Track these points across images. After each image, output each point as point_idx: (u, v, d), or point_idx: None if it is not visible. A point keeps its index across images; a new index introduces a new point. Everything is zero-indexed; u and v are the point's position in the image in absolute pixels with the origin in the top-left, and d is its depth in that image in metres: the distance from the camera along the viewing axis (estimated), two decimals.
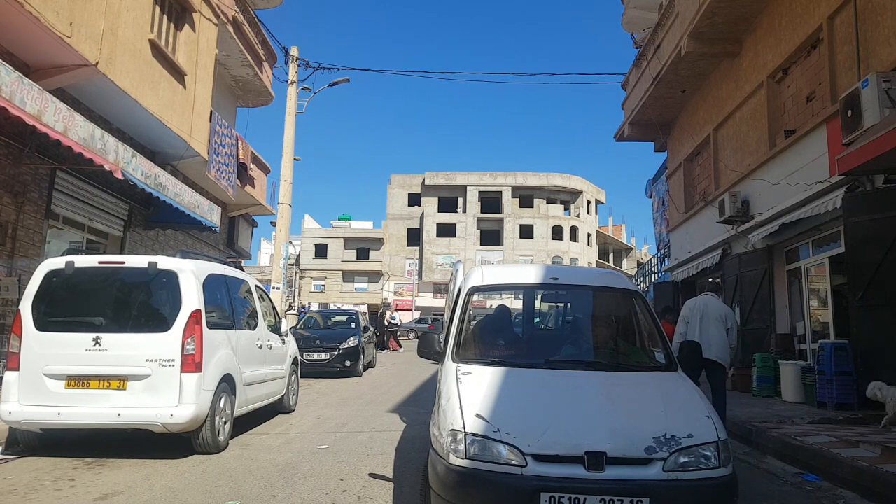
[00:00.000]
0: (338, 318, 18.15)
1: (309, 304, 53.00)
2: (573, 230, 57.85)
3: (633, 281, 26.92)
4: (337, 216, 64.33)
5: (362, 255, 60.97)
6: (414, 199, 59.41)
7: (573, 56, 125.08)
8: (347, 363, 14.56)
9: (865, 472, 5.17)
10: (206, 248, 16.11)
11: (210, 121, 13.52)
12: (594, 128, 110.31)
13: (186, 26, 12.41)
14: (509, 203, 57.36)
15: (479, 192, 57.98)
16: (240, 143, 15.69)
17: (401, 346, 27.35)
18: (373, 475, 5.44)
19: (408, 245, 59.06)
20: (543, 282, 5.52)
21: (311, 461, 5.98)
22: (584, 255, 57.59)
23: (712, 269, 15.12)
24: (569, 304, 6.29)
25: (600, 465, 3.34)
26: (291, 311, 21.91)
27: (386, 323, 27.50)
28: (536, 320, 6.54)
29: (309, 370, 13.64)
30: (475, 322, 5.83)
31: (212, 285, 6.65)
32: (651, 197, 23.04)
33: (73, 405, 5.78)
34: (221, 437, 6.35)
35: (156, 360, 5.85)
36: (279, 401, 8.57)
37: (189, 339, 5.94)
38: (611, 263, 62.52)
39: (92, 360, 5.84)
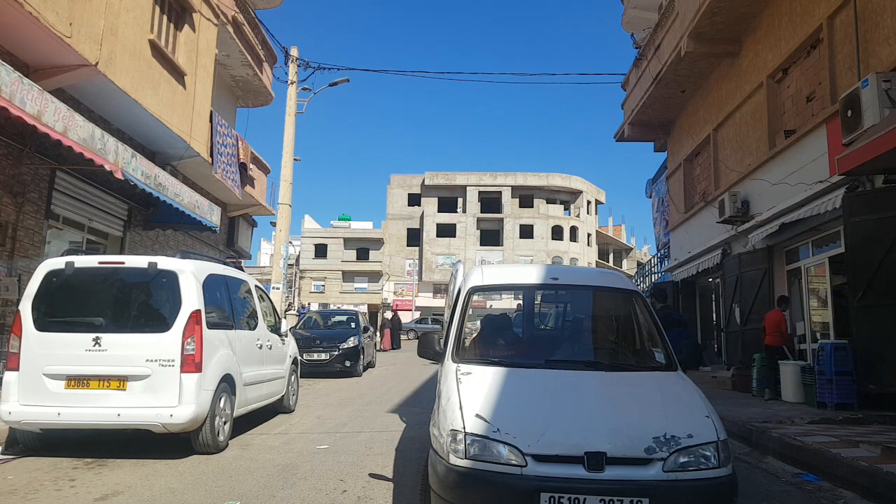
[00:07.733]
0: (338, 318, 18.18)
1: (309, 304, 52.95)
2: (573, 230, 57.82)
3: (633, 281, 26.92)
4: (337, 216, 64.38)
5: (362, 255, 60.94)
6: (414, 200, 59.34)
7: (573, 56, 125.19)
8: (347, 363, 14.57)
9: (865, 472, 5.17)
10: (206, 248, 16.11)
11: (210, 121, 13.53)
12: (594, 128, 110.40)
13: (186, 26, 12.41)
14: (509, 203, 57.32)
15: (479, 193, 57.94)
16: (240, 143, 15.69)
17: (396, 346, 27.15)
18: (373, 475, 5.44)
19: (408, 245, 58.99)
20: (543, 282, 5.52)
21: (311, 461, 5.98)
22: (584, 255, 57.58)
23: (712, 269, 15.12)
24: (569, 304, 6.29)
25: (600, 465, 3.34)
26: (291, 311, 21.90)
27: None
28: (536, 320, 6.52)
29: (309, 370, 13.64)
30: (475, 322, 5.83)
31: (212, 285, 6.65)
32: (651, 197, 23.04)
33: (73, 405, 5.78)
34: (221, 437, 6.35)
35: (156, 361, 5.86)
36: (279, 401, 8.57)
37: (189, 340, 5.95)
38: (611, 263, 62.49)
39: (92, 361, 5.84)
